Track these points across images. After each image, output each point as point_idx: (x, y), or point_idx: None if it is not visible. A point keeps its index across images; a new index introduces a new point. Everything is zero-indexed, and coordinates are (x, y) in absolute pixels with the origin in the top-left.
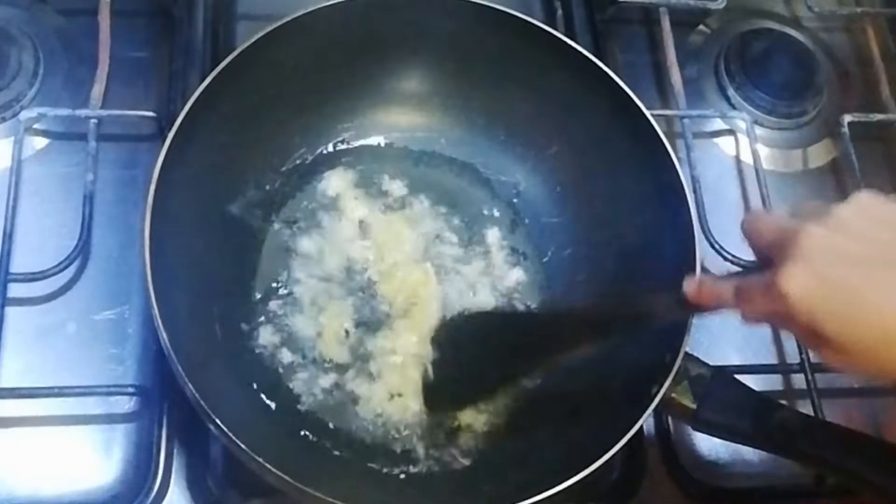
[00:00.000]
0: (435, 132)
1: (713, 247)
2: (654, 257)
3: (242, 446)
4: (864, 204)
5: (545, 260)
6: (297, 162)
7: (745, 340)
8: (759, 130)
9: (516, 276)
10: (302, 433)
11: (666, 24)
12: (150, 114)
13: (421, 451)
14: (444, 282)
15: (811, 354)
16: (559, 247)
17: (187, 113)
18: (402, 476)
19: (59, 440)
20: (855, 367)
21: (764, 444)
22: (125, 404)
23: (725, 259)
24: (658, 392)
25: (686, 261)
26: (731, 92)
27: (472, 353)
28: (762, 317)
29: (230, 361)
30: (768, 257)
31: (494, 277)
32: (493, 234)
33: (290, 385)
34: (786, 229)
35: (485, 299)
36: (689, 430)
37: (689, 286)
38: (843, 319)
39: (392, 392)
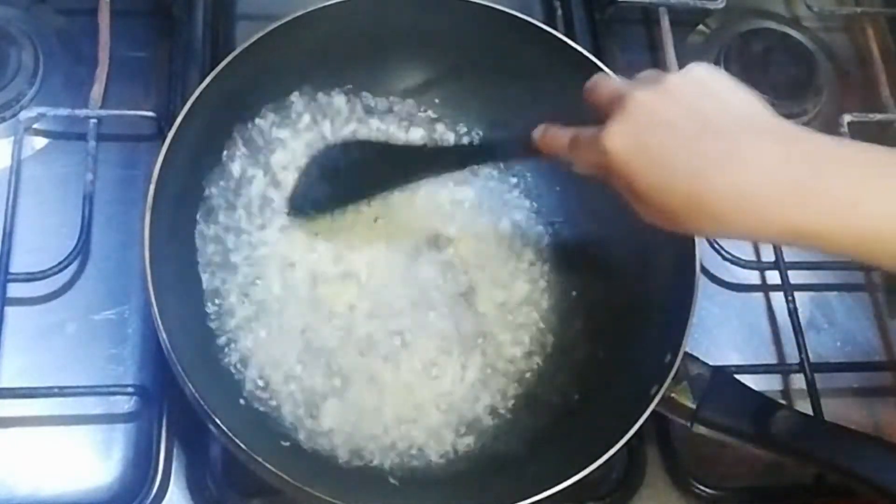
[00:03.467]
0: (434, 131)
1: (712, 246)
2: (652, 256)
3: (242, 446)
4: (696, 75)
5: None
6: None
7: (745, 340)
8: None
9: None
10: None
11: (665, 23)
12: (150, 114)
13: (420, 450)
14: None
15: (810, 354)
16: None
17: (187, 112)
18: (401, 475)
19: (59, 440)
20: (664, 224)
21: (763, 444)
22: (125, 404)
23: (724, 258)
24: (658, 392)
25: (685, 260)
26: None
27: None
28: (589, 168)
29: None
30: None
31: None
32: None
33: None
34: (619, 91)
35: None
36: (689, 429)
37: (537, 130)
38: (654, 180)
39: (396, 388)
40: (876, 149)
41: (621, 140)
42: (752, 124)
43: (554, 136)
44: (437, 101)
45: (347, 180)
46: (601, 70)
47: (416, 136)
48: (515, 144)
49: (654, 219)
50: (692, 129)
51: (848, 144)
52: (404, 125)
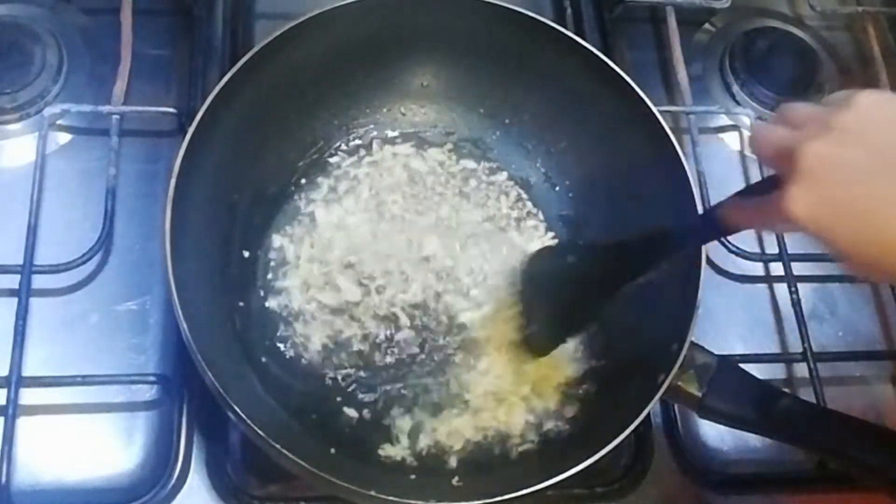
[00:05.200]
0: (447, 128)
1: (718, 239)
2: None
3: (260, 433)
4: (865, 106)
5: None
6: (314, 157)
7: (749, 330)
8: None
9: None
10: (318, 420)
11: (672, 22)
12: (171, 110)
13: (434, 438)
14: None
15: (813, 344)
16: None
17: (207, 109)
18: (415, 463)
19: (82, 427)
20: (871, 276)
21: (768, 432)
22: (146, 393)
23: (729, 251)
24: (665, 380)
25: (692, 252)
26: (735, 89)
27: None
28: (789, 231)
29: (248, 351)
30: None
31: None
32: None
33: (308, 374)
34: (787, 145)
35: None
36: (695, 417)
37: (722, 211)
38: (853, 236)
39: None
40: None
41: (805, 204)
42: None
43: (741, 213)
44: (448, 99)
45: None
46: (609, 67)
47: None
48: (707, 229)
49: (863, 272)
50: (878, 172)
51: None
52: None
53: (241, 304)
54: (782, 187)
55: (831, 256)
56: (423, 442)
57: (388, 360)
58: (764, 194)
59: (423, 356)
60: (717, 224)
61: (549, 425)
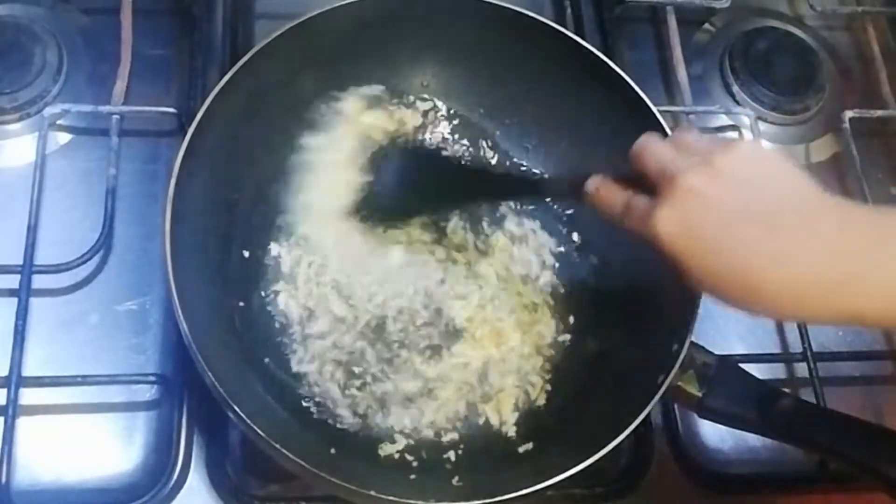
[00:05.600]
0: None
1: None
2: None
3: (261, 433)
4: (743, 155)
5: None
6: None
7: (750, 330)
8: (762, 126)
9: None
10: (319, 420)
11: (672, 22)
12: (171, 110)
13: (438, 437)
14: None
15: (813, 344)
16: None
17: (207, 109)
18: (415, 463)
19: (82, 427)
20: (715, 299)
21: (768, 432)
22: (146, 392)
23: None
24: (665, 380)
25: None
26: (735, 88)
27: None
28: (639, 238)
29: (248, 351)
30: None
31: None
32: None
33: (308, 372)
34: (667, 168)
35: None
36: (695, 417)
37: (592, 182)
38: (707, 268)
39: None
40: None
41: (673, 227)
42: (804, 209)
43: (608, 196)
44: (448, 98)
45: (411, 193)
46: (609, 67)
47: (436, 137)
48: (570, 188)
49: (706, 294)
50: (745, 216)
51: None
52: (419, 123)
53: (242, 304)
54: (653, 203)
55: (686, 280)
56: (424, 432)
57: (386, 355)
58: (637, 190)
59: (417, 349)
60: (581, 192)
61: (549, 424)
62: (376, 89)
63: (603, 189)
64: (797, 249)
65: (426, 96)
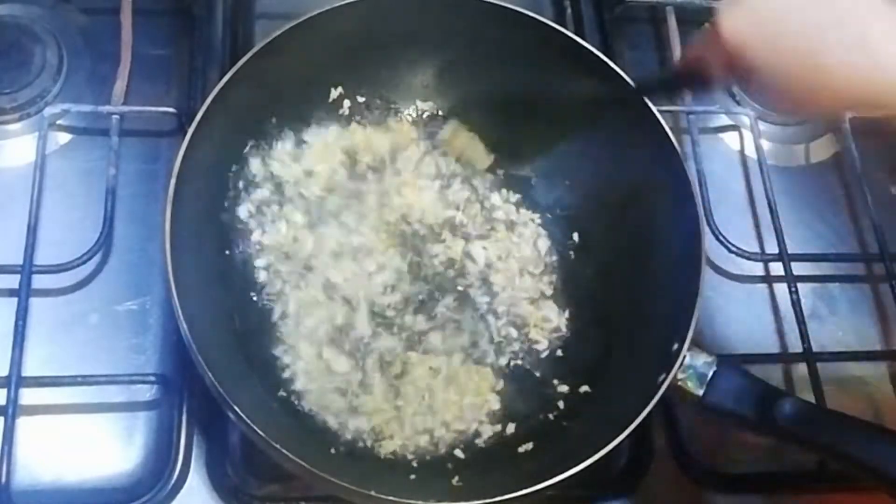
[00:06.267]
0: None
1: (718, 238)
2: (659, 248)
3: (260, 433)
4: None
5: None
6: None
7: (749, 330)
8: (762, 126)
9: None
10: (319, 420)
11: (672, 22)
12: (171, 110)
13: (437, 440)
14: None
15: (813, 344)
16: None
17: (207, 109)
18: (415, 463)
19: (82, 427)
20: (779, 102)
21: (767, 431)
22: (146, 392)
23: (730, 251)
24: (665, 380)
25: (692, 253)
26: (735, 88)
27: None
28: (721, 65)
29: (248, 350)
30: None
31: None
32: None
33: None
34: None
35: None
36: (695, 417)
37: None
38: (770, 47)
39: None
40: None
41: (735, 16)
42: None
43: (693, 52)
44: (448, 98)
45: None
46: (609, 67)
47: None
48: (672, 79)
49: (780, 103)
50: (816, 7)
51: None
52: (419, 123)
53: (241, 304)
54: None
55: (759, 90)
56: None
57: (385, 351)
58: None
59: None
60: (679, 74)
61: (549, 424)
62: (376, 89)
63: (690, 54)
64: (878, 38)
65: (426, 96)
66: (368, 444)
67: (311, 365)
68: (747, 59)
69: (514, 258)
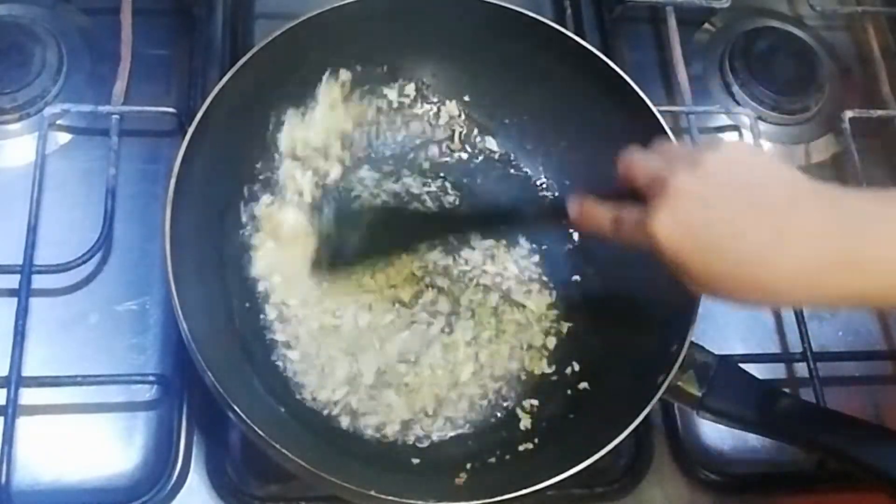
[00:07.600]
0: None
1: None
2: None
3: (261, 433)
4: (729, 153)
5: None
6: None
7: (750, 330)
8: (762, 126)
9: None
10: (319, 420)
11: (672, 22)
12: (171, 110)
13: (437, 435)
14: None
15: (813, 344)
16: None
17: (207, 109)
18: (416, 463)
19: (82, 427)
20: (717, 298)
21: (767, 431)
22: (146, 393)
23: None
24: (664, 380)
25: None
26: (735, 88)
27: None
28: (633, 247)
29: (248, 350)
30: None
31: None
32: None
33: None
34: (657, 175)
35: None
36: (695, 417)
37: (572, 205)
38: (706, 265)
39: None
40: None
41: (669, 228)
42: (794, 195)
43: (592, 214)
44: (447, 98)
45: (380, 237)
46: (609, 67)
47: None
48: (550, 215)
49: (706, 294)
50: (737, 209)
51: (889, 201)
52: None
53: (241, 304)
54: (647, 210)
55: (685, 285)
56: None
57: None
58: (617, 205)
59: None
60: (563, 217)
61: (548, 423)
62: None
63: (586, 207)
64: (794, 234)
65: (427, 97)
66: (369, 443)
67: (312, 364)
68: (682, 265)
69: (513, 258)
